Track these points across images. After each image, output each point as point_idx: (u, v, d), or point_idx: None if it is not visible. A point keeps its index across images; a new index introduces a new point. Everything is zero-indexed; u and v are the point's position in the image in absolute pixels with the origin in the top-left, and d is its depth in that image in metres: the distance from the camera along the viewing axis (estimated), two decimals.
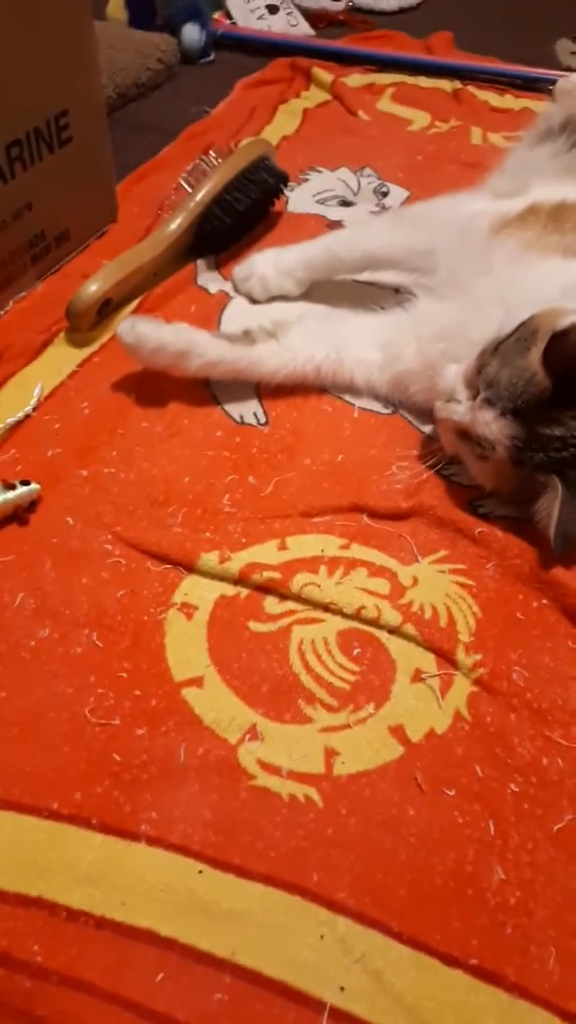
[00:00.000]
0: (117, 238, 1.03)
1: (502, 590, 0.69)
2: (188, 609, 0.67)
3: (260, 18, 1.51)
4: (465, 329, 0.75)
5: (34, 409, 0.81)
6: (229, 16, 1.52)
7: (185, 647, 0.64)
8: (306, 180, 1.16)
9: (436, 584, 0.69)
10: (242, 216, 0.99)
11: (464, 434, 0.72)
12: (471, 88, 1.39)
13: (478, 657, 0.64)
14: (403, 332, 0.83)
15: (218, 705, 0.61)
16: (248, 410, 0.83)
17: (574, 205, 0.81)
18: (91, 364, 0.87)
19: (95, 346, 0.89)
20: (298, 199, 1.12)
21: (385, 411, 0.85)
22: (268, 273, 0.93)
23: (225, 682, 0.62)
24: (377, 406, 0.85)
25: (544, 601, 0.69)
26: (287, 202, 1.10)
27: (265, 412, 0.83)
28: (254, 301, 0.95)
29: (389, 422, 0.84)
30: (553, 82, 1.37)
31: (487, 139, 1.28)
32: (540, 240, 0.79)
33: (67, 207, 0.95)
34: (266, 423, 0.82)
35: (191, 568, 0.69)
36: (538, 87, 1.41)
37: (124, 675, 0.62)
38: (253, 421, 0.82)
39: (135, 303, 0.93)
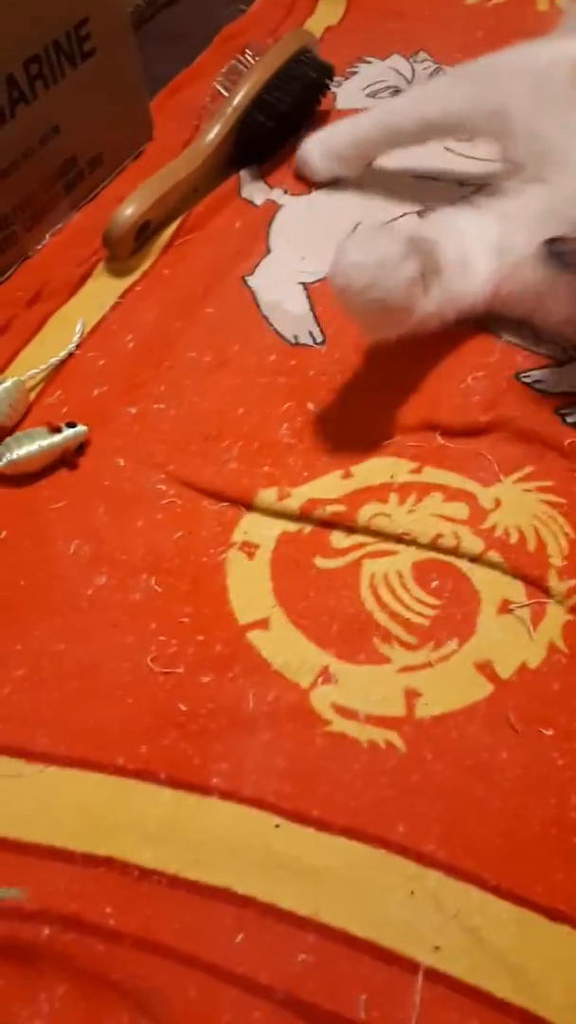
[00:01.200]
0: (154, 158, 0.95)
1: None
2: (249, 548, 0.62)
3: None
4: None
5: (77, 347, 0.77)
6: None
7: (248, 588, 0.60)
8: (355, 73, 1.06)
9: (522, 504, 0.63)
10: (285, 117, 0.90)
11: None
12: None
13: (573, 583, 0.58)
14: (510, 221, 0.71)
15: (287, 647, 0.57)
16: (303, 328, 0.77)
17: None
18: (133, 294, 0.82)
19: (136, 274, 0.83)
20: (347, 94, 1.02)
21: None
22: (313, 156, 0.86)
23: (293, 623, 0.58)
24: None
25: None
26: (335, 98, 1.01)
27: (322, 329, 0.77)
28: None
29: (462, 331, 0.76)
30: None
31: (555, 3, 1.14)
32: None
33: (98, 128, 0.89)
34: (323, 341, 0.76)
35: (249, 505, 0.64)
36: None
37: (186, 620, 0.59)
38: (309, 340, 0.76)
39: (176, 224, 0.87)
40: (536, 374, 0.71)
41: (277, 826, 0.49)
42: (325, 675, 0.55)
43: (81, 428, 0.68)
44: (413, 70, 1.06)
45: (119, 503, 0.66)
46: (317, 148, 0.87)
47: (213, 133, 0.87)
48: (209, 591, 0.60)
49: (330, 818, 0.49)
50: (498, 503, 0.63)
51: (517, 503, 0.63)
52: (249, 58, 0.91)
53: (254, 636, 0.58)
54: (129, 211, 0.81)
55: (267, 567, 0.61)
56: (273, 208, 0.88)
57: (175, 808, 0.50)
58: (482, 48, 1.06)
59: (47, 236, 0.87)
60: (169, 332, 0.78)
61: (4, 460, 0.66)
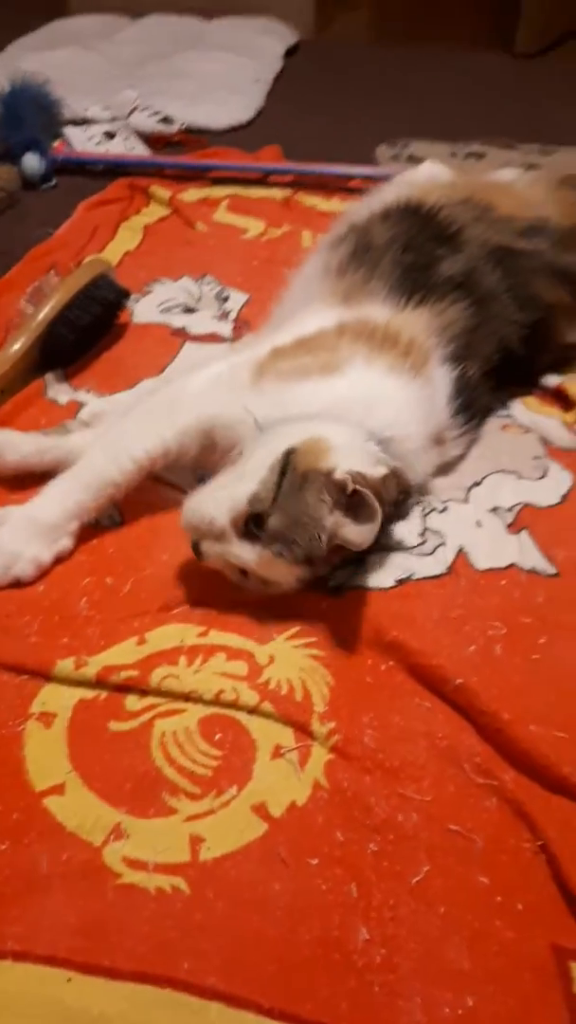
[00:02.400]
0: None
1: (352, 657, 0.73)
2: (47, 718, 0.68)
3: (98, 144, 1.61)
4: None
5: None
6: (66, 143, 1.61)
7: (44, 756, 0.65)
8: (149, 292, 1.22)
9: (291, 659, 0.73)
10: (85, 331, 1.04)
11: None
12: (300, 195, 1.51)
13: (332, 725, 0.67)
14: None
15: (81, 809, 0.62)
16: (103, 513, 0.86)
17: (324, 330, 0.85)
18: None
19: None
20: (143, 310, 1.18)
21: None
22: (23, 548, 0.78)
23: (87, 785, 0.63)
24: None
25: (391, 663, 0.73)
26: (132, 314, 1.16)
27: (120, 511, 0.86)
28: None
29: None
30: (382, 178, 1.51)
31: (316, 241, 1.38)
32: (293, 367, 0.82)
33: None
34: (121, 522, 0.85)
35: (48, 676, 0.70)
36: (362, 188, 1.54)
37: None
38: (107, 522, 0.85)
39: None
40: None
41: (69, 980, 0.53)
42: (117, 832, 0.61)
43: None
44: (200, 290, 1.24)
45: None
46: (25, 536, 0.79)
47: (18, 344, 0.98)
48: (6, 762, 0.64)
49: (120, 965, 0.53)
50: (271, 659, 0.73)
51: (287, 658, 0.73)
52: (53, 279, 1.04)
53: (50, 802, 0.62)
54: None
55: (63, 735, 0.67)
56: (76, 407, 0.99)
57: None
58: (257, 274, 1.28)
59: None
60: None
61: None
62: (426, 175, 1.32)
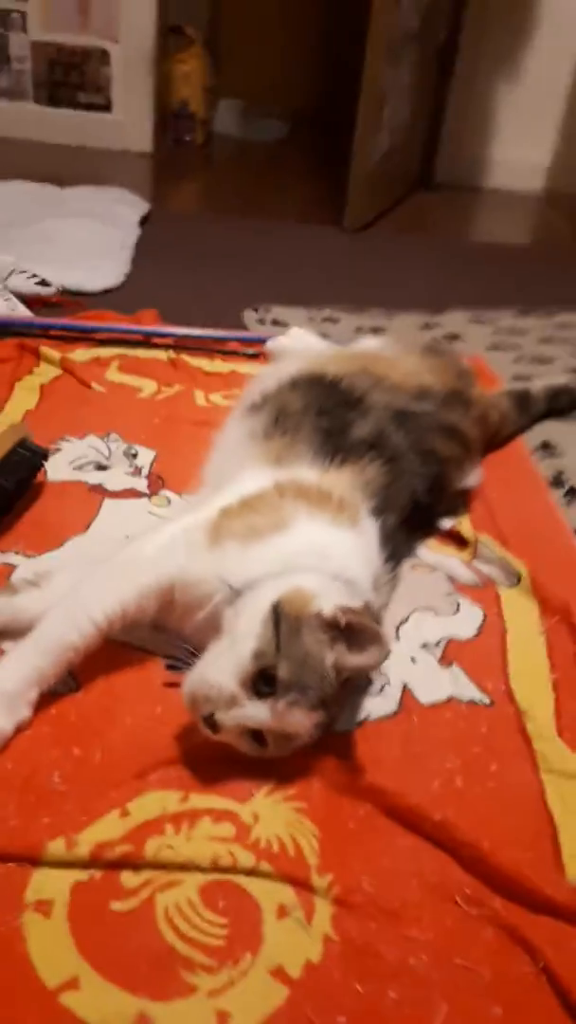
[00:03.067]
0: None
1: (330, 805, 0.76)
2: (44, 907, 0.65)
3: None
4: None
5: None
6: None
7: (51, 949, 0.62)
8: (58, 450, 1.25)
9: (275, 815, 0.75)
10: (9, 495, 1.05)
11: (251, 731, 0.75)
12: (184, 356, 1.61)
13: (330, 877, 0.70)
14: None
15: (101, 1003, 0.60)
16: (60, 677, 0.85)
17: (265, 490, 0.92)
18: None
19: None
20: (55, 468, 1.20)
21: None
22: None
23: (102, 975, 0.61)
24: (177, 650, 0.91)
25: (368, 806, 0.77)
26: (45, 472, 1.18)
27: (74, 676, 0.86)
28: None
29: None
30: (258, 341, 1.65)
31: (209, 400, 1.48)
32: (246, 527, 0.87)
33: None
34: (77, 688, 0.85)
35: (37, 861, 0.68)
36: (240, 352, 1.67)
37: None
38: (64, 689, 0.84)
39: None
40: None
41: None
42: (143, 1020, 0.59)
43: None
44: (109, 447, 1.28)
45: None
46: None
47: None
48: (11, 961, 0.61)
49: None
50: (256, 817, 0.74)
51: (271, 814, 0.75)
52: None
53: (67, 999, 0.60)
54: None
55: (65, 923, 0.64)
56: (7, 570, 0.99)
57: None
58: (161, 431, 1.34)
59: None
60: None
61: None
62: (313, 348, 1.48)
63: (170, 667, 0.87)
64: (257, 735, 0.76)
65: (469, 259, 2.58)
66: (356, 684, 0.78)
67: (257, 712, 0.73)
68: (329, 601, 0.77)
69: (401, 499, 1.03)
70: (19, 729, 0.79)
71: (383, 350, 1.35)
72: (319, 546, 0.88)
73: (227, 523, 0.88)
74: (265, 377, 1.22)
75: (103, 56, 3.31)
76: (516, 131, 3.39)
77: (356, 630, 0.75)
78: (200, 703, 0.75)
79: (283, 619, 0.76)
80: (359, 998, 0.62)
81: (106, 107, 3.40)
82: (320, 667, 0.74)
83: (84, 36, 3.26)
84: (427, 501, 1.09)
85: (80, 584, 0.86)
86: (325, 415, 1.05)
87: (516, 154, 3.43)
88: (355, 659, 0.75)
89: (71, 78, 3.36)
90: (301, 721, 0.74)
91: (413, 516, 1.07)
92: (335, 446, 1.00)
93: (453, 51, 3.22)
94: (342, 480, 0.97)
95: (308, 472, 0.97)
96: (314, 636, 0.75)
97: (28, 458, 1.09)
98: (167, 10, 3.18)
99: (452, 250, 2.67)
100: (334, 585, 0.81)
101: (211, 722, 0.74)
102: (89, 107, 3.39)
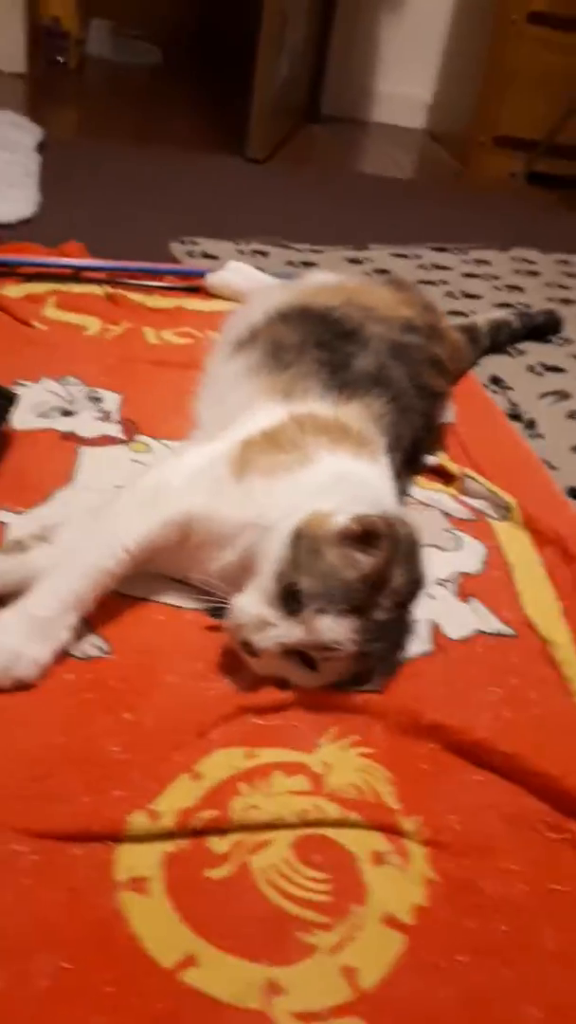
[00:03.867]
0: None
1: (397, 748, 0.75)
2: (139, 884, 0.61)
3: None
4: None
5: None
6: None
7: (158, 927, 0.58)
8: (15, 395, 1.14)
9: (345, 762, 0.73)
10: None
11: (290, 652, 0.75)
12: (122, 291, 1.50)
13: (418, 819, 0.69)
14: None
15: (225, 976, 0.56)
16: (87, 643, 0.79)
17: (284, 424, 0.89)
18: None
19: None
20: (18, 416, 1.09)
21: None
22: (23, 648, 0.73)
23: (217, 946, 0.58)
24: (202, 603, 0.86)
25: (432, 745, 0.76)
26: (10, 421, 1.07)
27: (104, 639, 0.79)
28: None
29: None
30: (196, 275, 1.56)
31: (162, 338, 1.39)
32: (271, 463, 0.85)
33: None
34: (110, 651, 0.79)
35: (119, 837, 0.63)
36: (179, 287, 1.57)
37: (110, 988, 0.54)
38: (97, 653, 0.78)
39: None
40: None
41: None
42: (272, 988, 0.56)
43: None
44: (69, 391, 1.18)
45: None
46: (22, 638, 0.74)
47: None
48: (120, 946, 0.57)
49: None
50: (327, 767, 0.72)
51: (342, 762, 0.72)
52: None
53: (188, 976, 0.56)
54: None
55: (165, 898, 0.60)
56: (0, 528, 0.90)
57: None
58: (119, 372, 1.26)
59: None
60: None
61: None
62: (255, 281, 1.42)
63: (212, 612, 0.83)
64: (305, 659, 0.75)
65: (364, 193, 2.55)
66: (396, 593, 0.76)
67: (289, 629, 0.73)
68: (345, 515, 0.77)
69: (405, 436, 1.01)
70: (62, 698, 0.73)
71: (345, 283, 1.30)
72: (348, 476, 0.86)
73: (251, 457, 0.85)
74: (245, 313, 1.15)
75: None
76: (399, 66, 3.36)
77: (368, 532, 0.75)
78: (236, 632, 0.75)
79: (303, 541, 0.75)
80: (472, 935, 0.62)
81: None
82: (341, 576, 0.73)
83: None
84: (422, 437, 1.08)
85: (104, 512, 0.82)
86: (324, 348, 1.01)
87: (399, 89, 3.41)
88: (369, 559, 0.74)
89: None
90: (333, 628, 0.72)
91: (409, 453, 1.05)
92: (341, 380, 0.97)
93: None
94: (355, 414, 0.94)
95: (321, 406, 0.93)
96: (333, 551, 0.75)
97: (3, 404, 0.99)
98: None
99: (346, 183, 2.63)
100: (354, 505, 0.78)
101: (248, 646, 0.74)
102: None
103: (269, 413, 0.91)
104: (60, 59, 3.38)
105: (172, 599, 0.86)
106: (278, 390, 0.95)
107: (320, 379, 0.96)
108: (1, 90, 2.88)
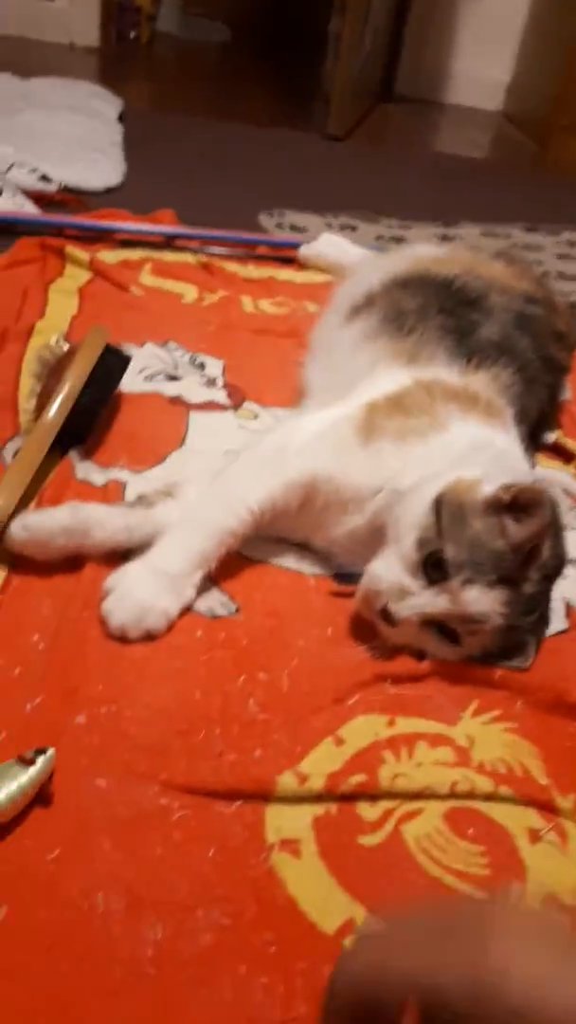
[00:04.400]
0: None
1: (542, 725, 0.72)
2: (291, 846, 0.58)
3: None
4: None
5: None
6: None
7: (315, 891, 0.56)
8: None
9: (490, 737, 0.70)
10: (103, 406, 0.94)
11: (429, 623, 0.72)
12: (216, 260, 1.48)
13: (573, 797, 0.65)
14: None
15: None
16: (214, 601, 0.77)
17: (410, 390, 0.86)
18: (12, 589, 0.74)
19: (3, 569, 0.75)
20: (126, 379, 1.07)
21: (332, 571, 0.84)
22: (154, 600, 0.72)
23: (378, 914, 0.56)
24: (326, 568, 0.84)
25: None
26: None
27: (231, 598, 0.78)
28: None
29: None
30: (289, 246, 1.54)
31: (258, 306, 1.37)
32: (401, 427, 0.82)
33: None
34: (237, 610, 0.77)
35: (268, 797, 0.61)
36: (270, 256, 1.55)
37: (274, 949, 0.52)
38: (225, 612, 0.76)
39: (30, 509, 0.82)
40: None
41: None
42: None
43: (50, 751, 0.58)
44: (172, 357, 1.16)
45: (125, 832, 0.57)
46: (153, 591, 0.73)
47: (52, 415, 0.85)
48: (278, 907, 0.55)
49: None
50: (471, 740, 0.69)
51: (486, 736, 0.70)
52: (58, 349, 0.93)
53: (351, 942, 0.53)
54: (1, 502, 0.75)
55: (319, 860, 0.58)
56: (119, 487, 0.88)
57: None
58: (220, 339, 1.24)
59: None
60: (77, 624, 0.71)
61: None
62: (350, 254, 1.40)
63: (338, 577, 0.80)
64: (446, 632, 0.72)
65: (444, 171, 2.49)
66: (544, 566, 0.72)
67: (432, 599, 0.70)
68: (492, 483, 0.74)
69: (532, 409, 0.97)
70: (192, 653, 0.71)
71: (457, 255, 1.26)
72: (481, 444, 0.82)
73: (378, 421, 0.82)
74: (358, 280, 1.12)
75: None
76: (476, 47, 3.28)
77: (520, 501, 0.71)
78: (373, 599, 0.73)
79: (445, 508, 0.72)
80: None
81: None
82: (491, 545, 0.70)
83: None
84: (547, 411, 1.04)
85: (226, 473, 0.81)
86: (449, 314, 0.97)
87: (476, 70, 3.33)
88: (523, 528, 0.71)
89: None
90: (481, 599, 0.69)
91: (532, 427, 1.02)
92: (468, 348, 0.93)
93: None
94: (484, 383, 0.91)
95: (448, 373, 0.90)
96: (480, 520, 0.72)
97: (118, 365, 0.97)
98: None
99: (425, 161, 2.57)
100: (498, 474, 0.75)
101: (386, 615, 0.71)
102: None
103: (392, 378, 0.88)
104: (132, 34, 3.37)
105: (294, 563, 0.84)
106: (402, 354, 0.92)
107: (445, 346, 0.93)
108: (77, 63, 2.87)
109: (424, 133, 3.09)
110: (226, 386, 1.12)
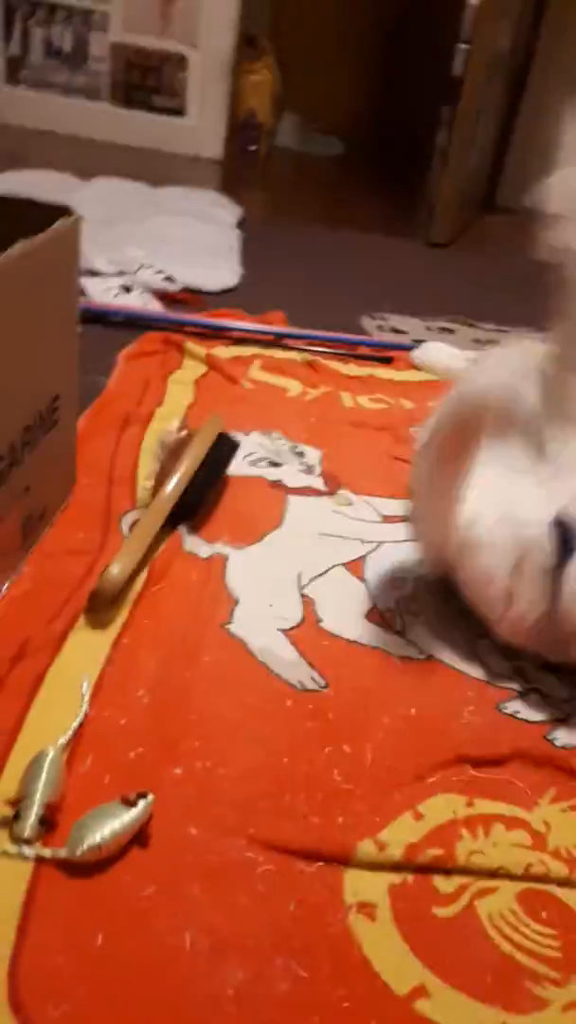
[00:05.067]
0: (78, 510, 0.99)
1: None
2: (367, 909, 0.61)
3: (115, 296, 1.62)
4: None
5: (89, 706, 0.73)
6: (83, 293, 1.60)
7: (389, 954, 0.59)
8: None
9: (566, 824, 0.71)
10: (213, 487, 1.02)
11: None
12: (320, 359, 1.59)
13: None
14: None
15: (457, 1012, 0.56)
16: (304, 675, 0.82)
17: None
18: (122, 647, 0.81)
19: (117, 626, 0.83)
20: (233, 463, 1.17)
21: (420, 656, 0.88)
22: None
23: (447, 982, 0.58)
24: (412, 651, 0.88)
25: None
26: None
27: (321, 673, 0.83)
28: None
29: (428, 666, 0.87)
30: (389, 347, 1.63)
31: (357, 401, 1.45)
32: None
33: (49, 485, 0.91)
34: (326, 685, 0.82)
35: (347, 861, 0.64)
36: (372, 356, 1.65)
37: (347, 1004, 0.55)
38: (314, 686, 0.81)
39: (143, 576, 0.90)
40: (513, 705, 0.83)
41: None
42: None
43: (150, 796, 0.64)
44: (276, 445, 1.25)
45: (213, 879, 0.61)
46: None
47: (169, 492, 0.94)
48: (353, 965, 0.57)
49: None
50: (548, 825, 0.71)
51: (564, 824, 0.71)
52: (178, 435, 1.02)
53: (421, 1006, 0.56)
54: (117, 570, 0.83)
55: (393, 927, 0.61)
56: (221, 560, 0.96)
57: None
58: (320, 431, 1.32)
59: (3, 589, 0.84)
60: (179, 683, 0.77)
61: (86, 845, 0.59)
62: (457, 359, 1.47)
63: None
64: None
65: (545, 279, 2.57)
66: None
67: None
68: None
69: None
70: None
71: None
72: None
73: None
74: None
75: (180, 61, 3.33)
76: None
77: None
78: None
79: None
80: None
81: (179, 112, 3.41)
82: None
83: (164, 40, 3.27)
84: None
85: None
86: None
87: None
88: None
89: (148, 81, 3.36)
90: None
91: None
92: None
93: (525, 73, 3.25)
94: None
95: None
96: None
97: (228, 451, 1.06)
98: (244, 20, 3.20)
99: (524, 269, 2.65)
100: None
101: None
102: (163, 111, 3.40)
103: None
104: (251, 147, 3.66)
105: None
106: None
107: None
108: (203, 173, 3.14)
109: (524, 242, 3.20)
110: (323, 473, 1.20)
